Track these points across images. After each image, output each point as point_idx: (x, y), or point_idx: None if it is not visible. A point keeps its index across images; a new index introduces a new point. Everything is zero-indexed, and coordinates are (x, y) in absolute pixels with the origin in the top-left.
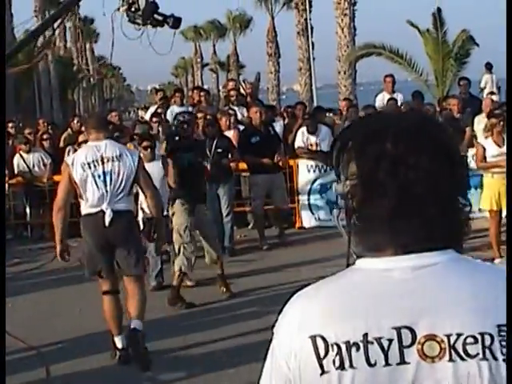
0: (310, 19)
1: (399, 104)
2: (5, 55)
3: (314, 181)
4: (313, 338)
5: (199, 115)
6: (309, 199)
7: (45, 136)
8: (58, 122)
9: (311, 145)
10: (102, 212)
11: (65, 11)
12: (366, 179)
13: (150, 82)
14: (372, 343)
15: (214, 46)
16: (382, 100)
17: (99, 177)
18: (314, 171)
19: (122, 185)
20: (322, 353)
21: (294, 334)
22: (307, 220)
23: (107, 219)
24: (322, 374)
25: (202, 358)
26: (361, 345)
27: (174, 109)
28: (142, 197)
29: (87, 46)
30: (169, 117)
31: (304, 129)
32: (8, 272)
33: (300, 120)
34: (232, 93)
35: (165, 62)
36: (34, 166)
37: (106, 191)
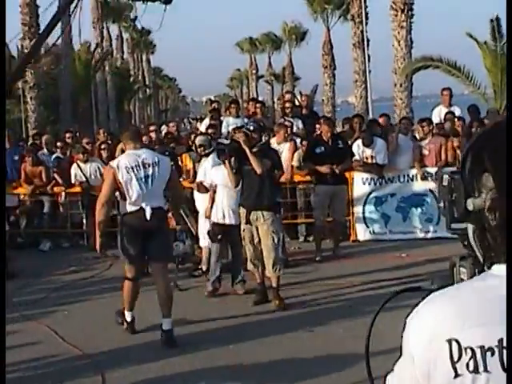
0: (367, 31)
1: (457, 117)
2: (5, 55)
3: (369, 193)
4: (449, 342)
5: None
6: (364, 212)
7: (103, 146)
8: (114, 132)
9: (367, 157)
10: (143, 209)
11: (60, 15)
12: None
13: (205, 93)
14: (506, 349)
15: (269, 57)
16: (438, 113)
17: (141, 179)
18: (369, 184)
19: (160, 186)
20: (455, 356)
21: (428, 337)
22: (362, 233)
23: (148, 214)
24: (455, 377)
25: (252, 370)
26: (496, 350)
27: (230, 120)
28: (215, 202)
29: (143, 57)
30: (224, 128)
31: (359, 141)
32: (64, 280)
33: (357, 133)
34: (288, 105)
35: (220, 74)
36: (90, 175)
37: (147, 192)
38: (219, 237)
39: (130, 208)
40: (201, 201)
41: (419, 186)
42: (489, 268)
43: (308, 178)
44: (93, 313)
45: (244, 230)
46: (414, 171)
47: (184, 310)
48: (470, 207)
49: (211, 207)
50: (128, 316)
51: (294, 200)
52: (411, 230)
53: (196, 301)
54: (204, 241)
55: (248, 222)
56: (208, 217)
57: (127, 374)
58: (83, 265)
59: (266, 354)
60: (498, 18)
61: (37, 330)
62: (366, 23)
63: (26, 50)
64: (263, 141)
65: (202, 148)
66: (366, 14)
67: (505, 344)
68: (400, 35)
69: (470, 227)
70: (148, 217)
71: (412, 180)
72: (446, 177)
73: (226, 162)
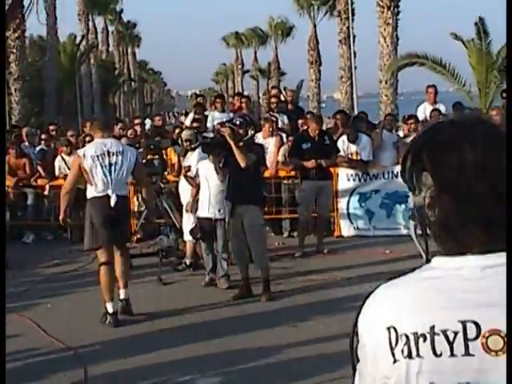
0: (353, 28)
1: (442, 114)
2: (5, 56)
3: (354, 189)
4: (388, 329)
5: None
6: (348, 208)
7: (88, 138)
8: None
9: (351, 154)
10: (108, 196)
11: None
12: (450, 188)
13: (191, 87)
14: (438, 335)
15: (255, 52)
16: (423, 110)
17: (105, 167)
18: (354, 180)
19: (124, 174)
20: (393, 343)
21: (372, 325)
22: (346, 229)
23: (112, 202)
24: (394, 363)
25: (236, 363)
26: (428, 336)
27: (215, 114)
28: (201, 196)
29: (129, 50)
30: (209, 123)
31: (344, 137)
32: (48, 273)
33: (340, 129)
34: (273, 100)
35: (205, 68)
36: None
37: (111, 179)
38: (199, 235)
39: (95, 194)
40: (185, 195)
41: (403, 182)
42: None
43: (293, 173)
44: (76, 306)
45: (229, 224)
46: (398, 168)
47: (167, 304)
48: (411, 204)
49: (196, 202)
50: (109, 307)
51: (279, 195)
52: (395, 227)
53: (179, 295)
54: (187, 235)
55: (233, 215)
56: (189, 211)
57: (110, 366)
58: (67, 258)
59: (250, 347)
60: (482, 19)
61: (19, 323)
62: (353, 19)
63: (10, 42)
64: (249, 135)
65: (189, 142)
66: (353, 10)
67: (436, 330)
68: (386, 32)
69: (412, 223)
70: (113, 204)
71: (396, 177)
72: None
73: (212, 155)
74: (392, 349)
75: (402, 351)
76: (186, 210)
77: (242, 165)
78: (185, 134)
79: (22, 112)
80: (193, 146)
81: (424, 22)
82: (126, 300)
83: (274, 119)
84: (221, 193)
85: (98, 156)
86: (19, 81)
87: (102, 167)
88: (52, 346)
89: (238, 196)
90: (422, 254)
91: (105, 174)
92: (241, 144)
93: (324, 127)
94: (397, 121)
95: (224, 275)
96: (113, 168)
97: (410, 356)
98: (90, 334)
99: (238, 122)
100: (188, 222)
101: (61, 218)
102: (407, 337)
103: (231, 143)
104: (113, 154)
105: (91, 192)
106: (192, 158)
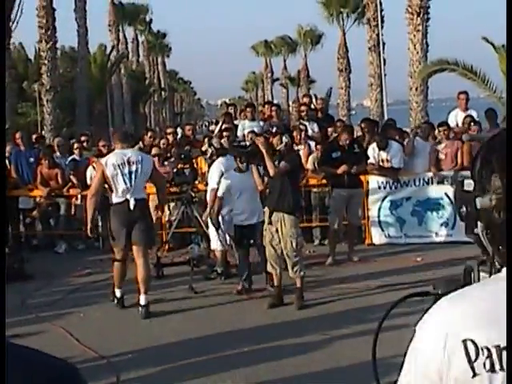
0: (382, 35)
1: (475, 121)
2: (5, 57)
3: (385, 197)
4: (464, 342)
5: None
6: (379, 215)
7: None
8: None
9: (382, 161)
10: (127, 200)
11: None
12: None
13: (220, 96)
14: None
15: (284, 61)
16: (455, 117)
17: (126, 175)
18: (385, 187)
19: (142, 181)
20: (472, 356)
21: (442, 338)
22: (377, 236)
23: (131, 205)
24: (473, 377)
25: (267, 372)
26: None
27: (246, 123)
28: (237, 204)
29: (159, 60)
30: (239, 131)
31: (374, 145)
32: (80, 282)
33: (367, 136)
34: (303, 108)
35: (235, 77)
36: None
37: (131, 185)
38: (244, 241)
39: (116, 200)
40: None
41: (435, 189)
42: (499, 270)
43: (323, 181)
44: (108, 315)
45: (266, 230)
46: (429, 175)
47: (199, 313)
48: (479, 206)
49: (217, 212)
50: (118, 292)
51: (309, 203)
52: (427, 234)
53: (211, 303)
54: (216, 243)
55: (269, 222)
56: (212, 219)
57: (142, 375)
58: (98, 267)
59: (281, 356)
60: None
61: (52, 332)
62: (382, 26)
63: (42, 53)
64: (284, 143)
65: (215, 151)
66: (382, 17)
67: None
68: (416, 38)
69: (480, 225)
70: (132, 207)
71: (428, 184)
72: (468, 182)
73: (253, 165)
74: (471, 362)
75: (484, 365)
76: (208, 217)
77: (271, 173)
78: (214, 142)
79: (54, 122)
80: (219, 154)
81: (454, 28)
82: (147, 306)
83: (303, 127)
84: (256, 200)
85: (119, 165)
86: (51, 92)
87: (122, 175)
88: (85, 355)
89: (275, 204)
90: (492, 256)
91: (125, 182)
92: (275, 152)
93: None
94: (433, 129)
95: (245, 278)
96: (133, 175)
97: (493, 370)
98: (123, 342)
99: (273, 131)
100: (214, 231)
101: (88, 227)
102: (489, 350)
103: (263, 152)
104: (132, 163)
105: (113, 198)
106: (215, 168)
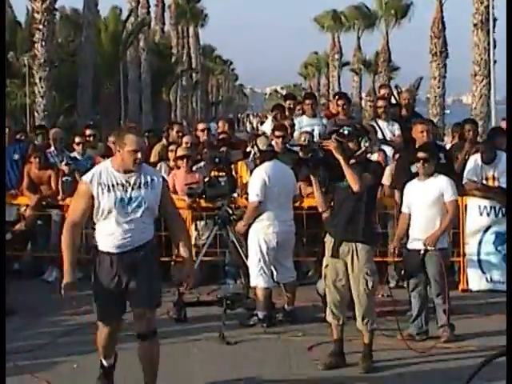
0: (493, 7)
1: None
2: (5, 57)
3: (488, 228)
4: None
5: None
6: (479, 253)
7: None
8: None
9: (487, 178)
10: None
11: None
12: None
13: (270, 83)
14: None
15: (358, 38)
16: None
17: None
18: (489, 215)
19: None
20: None
21: None
22: (475, 281)
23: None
24: None
25: None
26: None
27: (303, 120)
28: None
29: (190, 30)
30: (296, 130)
31: (478, 156)
32: (74, 323)
33: (468, 144)
34: (381, 103)
35: (291, 59)
36: (117, 184)
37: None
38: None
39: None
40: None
41: None
42: None
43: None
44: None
45: (327, 266)
46: None
47: (232, 371)
48: None
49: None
50: (105, 362)
51: (385, 230)
52: None
53: (249, 359)
54: (257, 279)
55: (335, 255)
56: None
57: None
58: None
59: None
60: None
61: None
62: None
63: (36, 15)
64: (362, 149)
65: (259, 153)
66: None
67: None
68: None
69: None
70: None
71: None
72: None
73: (315, 178)
74: None
75: None
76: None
77: (355, 188)
78: (260, 142)
79: (48, 108)
80: (264, 159)
81: None
82: None
83: (377, 129)
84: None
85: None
86: (45, 67)
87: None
88: None
89: (345, 230)
90: None
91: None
92: (352, 161)
93: (448, 141)
94: None
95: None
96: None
97: None
98: None
99: (346, 132)
100: (255, 261)
101: (64, 282)
102: None
103: (340, 160)
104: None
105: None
106: (257, 176)
